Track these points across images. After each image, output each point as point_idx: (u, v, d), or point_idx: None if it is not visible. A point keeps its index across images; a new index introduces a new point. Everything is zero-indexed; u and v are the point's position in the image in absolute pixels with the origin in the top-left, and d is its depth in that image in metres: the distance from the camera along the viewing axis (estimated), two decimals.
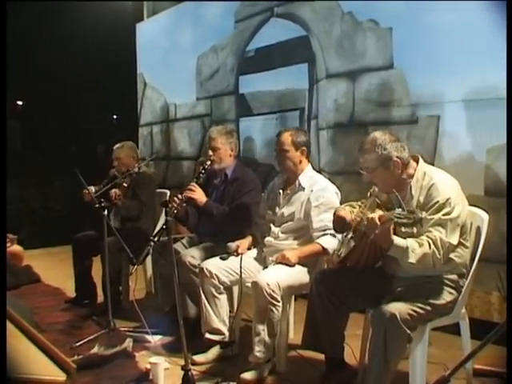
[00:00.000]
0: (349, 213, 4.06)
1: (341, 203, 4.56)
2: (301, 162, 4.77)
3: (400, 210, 3.38)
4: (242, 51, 7.82)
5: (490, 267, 4.73)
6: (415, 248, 3.55)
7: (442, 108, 5.30)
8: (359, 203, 4.17)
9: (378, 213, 3.60)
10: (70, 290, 6.49)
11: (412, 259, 3.54)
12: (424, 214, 3.41)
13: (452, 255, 3.74)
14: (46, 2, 10.95)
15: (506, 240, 4.77)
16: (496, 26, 4.83)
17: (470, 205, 4.00)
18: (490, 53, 4.90)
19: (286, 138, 4.75)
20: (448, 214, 3.63)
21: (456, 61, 5.16)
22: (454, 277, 3.81)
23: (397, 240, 3.55)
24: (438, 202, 3.65)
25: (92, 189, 5.69)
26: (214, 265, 4.71)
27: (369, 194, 4.16)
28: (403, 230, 3.49)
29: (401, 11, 5.66)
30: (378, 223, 3.45)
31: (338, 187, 4.77)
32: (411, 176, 3.86)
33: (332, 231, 4.45)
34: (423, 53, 5.43)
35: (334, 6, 6.38)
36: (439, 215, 3.63)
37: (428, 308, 3.66)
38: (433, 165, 4.34)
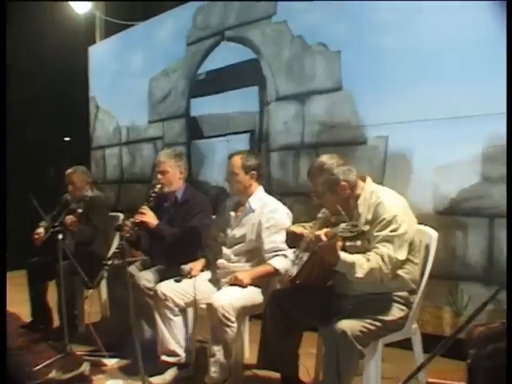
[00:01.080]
0: (301, 228, 4.15)
1: (292, 224, 4.61)
2: (251, 184, 4.83)
3: (344, 224, 3.47)
4: (193, 74, 7.87)
5: (441, 283, 4.87)
6: (362, 263, 3.62)
7: (390, 128, 5.41)
8: (310, 224, 4.25)
9: (324, 230, 3.67)
10: (26, 315, 6.43)
11: (359, 274, 3.61)
12: (367, 227, 3.51)
13: (401, 272, 3.82)
14: None
15: (455, 257, 4.91)
16: (442, 47, 4.99)
17: (420, 223, 4.10)
18: (436, 74, 5.05)
19: (236, 161, 4.81)
20: (395, 230, 3.72)
21: (403, 82, 5.29)
22: (403, 293, 3.89)
23: (344, 255, 3.62)
24: (384, 218, 3.74)
25: (41, 231, 5.77)
26: (168, 288, 4.72)
27: (319, 215, 4.25)
28: (348, 243, 3.59)
29: (349, 34, 5.79)
30: (324, 239, 3.54)
31: (288, 208, 4.82)
32: (359, 195, 3.96)
33: (283, 252, 4.52)
34: (371, 75, 5.56)
35: (284, 30, 6.49)
36: (386, 232, 3.72)
37: (379, 324, 3.73)
38: (382, 184, 4.44)
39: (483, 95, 4.76)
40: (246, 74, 7.01)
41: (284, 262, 4.53)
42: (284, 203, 4.87)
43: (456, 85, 4.93)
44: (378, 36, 5.52)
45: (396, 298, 3.87)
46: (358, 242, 3.62)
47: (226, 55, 7.31)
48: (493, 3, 4.61)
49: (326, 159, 4.06)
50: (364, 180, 4.03)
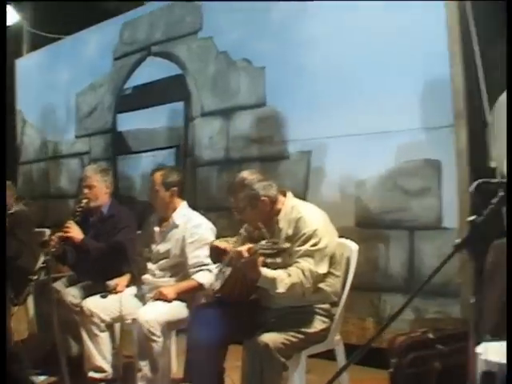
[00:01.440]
0: (224, 243, 4.20)
1: (216, 239, 4.65)
2: (172, 201, 4.85)
3: (264, 241, 3.52)
4: (120, 89, 7.85)
5: (364, 295, 4.97)
6: (284, 278, 3.67)
7: (312, 144, 5.51)
8: (234, 239, 4.29)
9: (246, 246, 3.72)
10: None
11: (281, 289, 3.66)
12: (287, 245, 3.57)
13: (323, 285, 3.88)
14: None
15: (377, 269, 5.01)
16: (363, 64, 5.10)
17: (342, 236, 4.18)
18: (358, 90, 5.18)
19: (157, 178, 4.83)
20: (315, 244, 3.78)
21: (326, 98, 5.39)
22: (325, 306, 3.95)
23: (265, 271, 3.67)
24: (305, 233, 3.80)
25: None
26: (94, 303, 4.70)
27: (242, 231, 4.30)
28: (268, 260, 3.64)
29: (273, 51, 5.87)
30: (246, 255, 3.59)
31: (213, 223, 4.85)
32: (279, 210, 4.02)
33: (208, 267, 4.55)
34: (295, 91, 5.64)
35: (209, 46, 6.54)
36: (307, 246, 3.78)
37: (301, 336, 3.78)
38: (305, 199, 4.52)
39: (403, 110, 4.91)
40: (171, 90, 7.03)
41: (208, 276, 4.56)
42: (209, 218, 4.90)
43: (376, 101, 5.06)
44: (302, 52, 5.63)
45: (318, 311, 3.93)
46: (279, 259, 3.67)
47: (152, 70, 7.33)
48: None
49: (247, 175, 4.11)
50: (285, 195, 4.10)
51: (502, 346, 3.91)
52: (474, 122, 4.48)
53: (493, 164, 2.69)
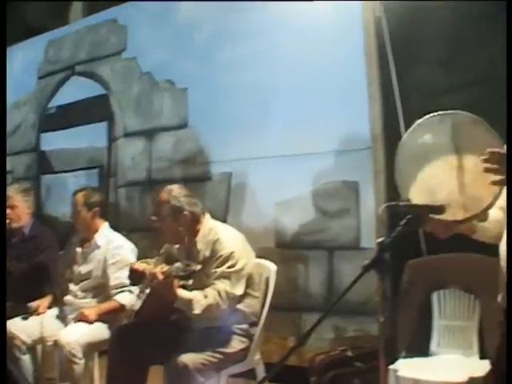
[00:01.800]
0: (144, 265, 4.21)
1: (138, 260, 4.65)
2: (94, 221, 4.85)
3: (178, 263, 3.58)
4: (44, 108, 7.75)
5: (285, 314, 5.01)
6: (200, 299, 3.73)
7: (233, 165, 5.56)
8: (154, 260, 4.30)
9: (160, 268, 3.76)
10: None
11: (197, 310, 3.72)
12: (198, 267, 3.63)
13: (241, 306, 3.94)
14: None
15: (297, 288, 5.07)
16: (284, 86, 5.19)
17: (261, 257, 4.25)
18: (280, 112, 5.26)
19: (79, 198, 4.83)
20: (232, 266, 3.84)
21: (248, 120, 5.46)
22: (244, 326, 4.01)
23: (181, 293, 3.73)
24: (222, 255, 3.86)
25: None
26: (15, 326, 4.64)
27: (161, 251, 4.33)
28: (181, 282, 3.69)
29: (196, 72, 5.92)
30: (161, 277, 3.62)
31: (135, 244, 4.87)
32: (198, 231, 4.06)
33: (129, 288, 4.55)
34: (217, 112, 5.69)
35: (133, 66, 6.54)
36: (223, 268, 3.83)
37: (220, 356, 3.82)
38: (225, 220, 4.57)
39: (321, 133, 5.00)
40: (95, 110, 7.00)
41: (129, 297, 4.56)
42: (131, 239, 4.91)
43: (296, 123, 5.16)
44: (225, 74, 5.68)
45: (237, 331, 3.98)
46: (190, 281, 3.74)
47: (76, 90, 7.28)
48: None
49: (176, 187, 4.16)
50: (204, 216, 4.15)
51: (416, 362, 4.03)
52: (390, 145, 4.58)
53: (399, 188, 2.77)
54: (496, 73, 4.25)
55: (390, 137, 2.86)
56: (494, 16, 4.30)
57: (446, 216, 2.61)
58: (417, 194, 2.70)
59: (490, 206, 2.61)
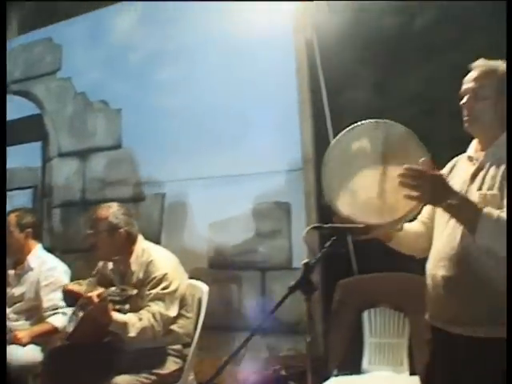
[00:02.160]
0: (77, 286, 4.20)
1: (71, 281, 4.63)
2: (27, 243, 4.83)
3: (114, 288, 3.58)
4: None
5: (218, 335, 5.01)
6: (135, 322, 3.72)
7: (167, 186, 5.59)
8: (87, 281, 4.29)
9: (98, 291, 3.75)
10: None
11: (132, 333, 3.71)
12: (135, 291, 3.64)
13: (174, 327, 3.96)
14: None
15: (231, 309, 5.10)
16: (221, 107, 5.23)
17: (195, 277, 4.28)
18: (214, 133, 5.31)
19: (12, 219, 4.80)
20: (166, 288, 3.86)
21: (182, 141, 5.49)
22: (178, 347, 4.02)
23: (116, 316, 3.71)
24: (155, 277, 3.87)
25: None
26: None
27: (95, 272, 4.32)
28: (117, 306, 3.70)
29: (130, 93, 5.92)
30: (96, 300, 3.62)
31: (69, 265, 4.84)
32: (132, 253, 4.07)
33: (62, 310, 4.53)
34: (151, 133, 5.70)
35: (68, 86, 6.52)
36: (157, 290, 3.84)
37: (154, 378, 3.83)
38: (159, 241, 4.59)
39: (254, 154, 5.08)
40: (29, 129, 6.94)
41: (63, 319, 4.53)
42: (65, 260, 4.89)
43: (230, 145, 5.22)
44: (159, 95, 5.70)
45: (170, 352, 3.99)
46: (127, 306, 3.75)
47: (11, 109, 7.21)
48: None
49: (115, 205, 4.18)
50: (137, 238, 4.17)
51: (348, 379, 4.09)
52: (321, 166, 4.67)
53: (326, 201, 2.84)
54: (430, 93, 4.36)
55: (321, 158, 2.91)
56: (429, 36, 4.43)
57: (361, 219, 2.69)
58: (340, 194, 2.78)
59: (405, 217, 2.70)
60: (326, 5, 4.80)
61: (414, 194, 2.49)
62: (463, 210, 2.53)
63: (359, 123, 2.86)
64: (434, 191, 2.49)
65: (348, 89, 4.79)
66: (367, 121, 2.85)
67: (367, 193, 2.74)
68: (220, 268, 5.24)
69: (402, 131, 2.77)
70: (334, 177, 2.84)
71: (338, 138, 2.92)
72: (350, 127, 2.88)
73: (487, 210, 2.48)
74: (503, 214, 2.46)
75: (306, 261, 2.53)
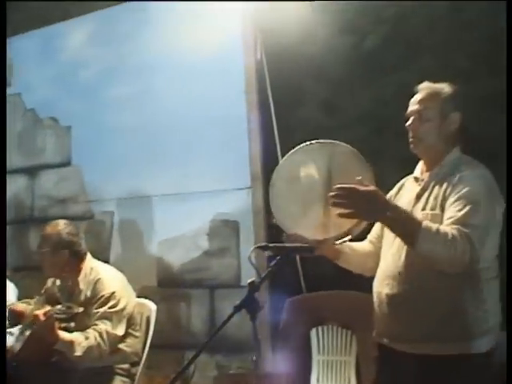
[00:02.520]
0: (24, 305, 4.16)
1: (20, 299, 4.59)
2: None
3: (59, 306, 3.56)
4: None
5: (168, 353, 4.99)
6: (81, 341, 3.71)
7: (116, 203, 5.56)
8: (35, 300, 4.26)
9: (45, 309, 3.73)
10: None
11: (78, 352, 3.70)
12: (81, 309, 3.63)
13: (122, 345, 3.95)
14: None
15: (180, 327, 5.09)
16: (172, 127, 5.24)
17: (143, 296, 4.28)
18: (164, 150, 5.32)
19: None
20: (113, 306, 3.86)
21: (131, 158, 5.46)
22: (125, 366, 4.02)
23: (63, 335, 3.70)
24: (103, 295, 3.88)
25: None
26: None
27: (43, 290, 4.29)
28: (63, 324, 3.68)
29: (80, 110, 5.90)
30: (42, 319, 3.60)
31: (17, 283, 4.79)
32: (81, 271, 4.05)
33: (9, 329, 4.47)
34: (100, 150, 5.66)
35: (18, 102, 6.45)
36: (105, 308, 3.84)
37: None
38: (108, 259, 4.57)
39: (204, 172, 5.10)
40: None
41: (9, 339, 4.48)
42: (13, 278, 4.82)
43: (180, 162, 5.24)
44: (109, 112, 5.68)
45: (118, 371, 3.99)
46: (72, 324, 3.74)
47: None
48: None
49: (62, 223, 4.17)
50: (86, 256, 4.15)
51: None
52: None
53: (274, 220, 2.88)
54: (379, 112, 4.42)
55: (270, 176, 2.95)
56: (379, 55, 4.49)
57: (308, 236, 2.73)
58: (287, 213, 2.83)
59: (348, 233, 2.74)
60: (279, 23, 4.82)
61: (348, 211, 2.53)
62: (402, 223, 2.57)
63: (307, 143, 2.92)
64: (369, 207, 2.53)
65: (298, 107, 4.83)
66: (314, 141, 2.91)
67: (313, 211, 2.80)
68: (169, 286, 5.22)
69: (348, 151, 2.83)
70: (281, 196, 2.89)
71: (285, 157, 2.98)
72: (297, 147, 2.94)
73: (426, 222, 2.53)
74: (443, 227, 2.51)
75: (251, 280, 2.55)
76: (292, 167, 2.93)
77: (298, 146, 2.95)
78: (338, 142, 2.90)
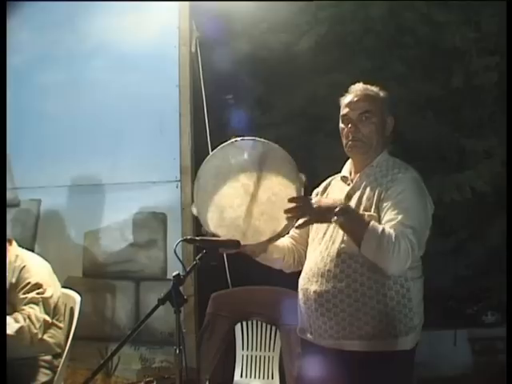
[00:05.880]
0: None
1: None
2: None
3: None
4: None
5: (92, 345, 4.96)
6: (10, 323, 3.66)
7: (43, 192, 5.43)
8: None
9: None
10: None
11: (9, 331, 3.61)
12: None
13: (46, 336, 3.90)
14: None
15: (104, 319, 5.06)
16: (101, 117, 5.18)
17: (68, 286, 4.23)
18: (93, 140, 5.23)
19: None
20: (41, 293, 3.83)
21: (61, 147, 5.34)
22: (48, 357, 3.97)
23: None
24: (30, 282, 3.84)
25: None
26: None
27: None
28: None
29: (8, 96, 5.77)
30: None
31: None
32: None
33: None
34: (28, 138, 5.51)
35: None
36: (32, 294, 3.81)
37: None
38: (33, 248, 4.51)
39: (132, 164, 5.08)
40: None
41: None
42: None
43: (109, 153, 5.17)
44: (38, 100, 5.54)
45: (41, 363, 3.93)
46: None
47: None
48: None
49: None
50: (10, 243, 4.08)
51: None
52: None
53: (194, 211, 2.88)
54: (313, 111, 4.46)
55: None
56: (314, 55, 4.52)
57: (225, 236, 2.73)
58: (209, 210, 2.83)
59: (269, 241, 2.77)
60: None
61: (302, 220, 2.59)
62: (351, 222, 2.63)
63: (237, 139, 2.90)
64: (320, 212, 2.62)
65: (230, 103, 4.84)
66: (245, 138, 2.89)
67: (235, 212, 2.80)
68: (94, 277, 5.16)
69: (279, 154, 2.81)
70: (204, 192, 2.88)
71: (212, 153, 2.96)
72: (225, 143, 2.92)
73: (373, 223, 2.57)
74: (387, 228, 2.55)
75: (176, 273, 2.56)
76: (219, 163, 2.90)
77: (228, 142, 2.93)
78: (270, 142, 2.87)
